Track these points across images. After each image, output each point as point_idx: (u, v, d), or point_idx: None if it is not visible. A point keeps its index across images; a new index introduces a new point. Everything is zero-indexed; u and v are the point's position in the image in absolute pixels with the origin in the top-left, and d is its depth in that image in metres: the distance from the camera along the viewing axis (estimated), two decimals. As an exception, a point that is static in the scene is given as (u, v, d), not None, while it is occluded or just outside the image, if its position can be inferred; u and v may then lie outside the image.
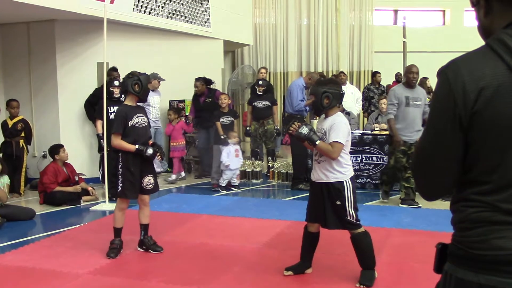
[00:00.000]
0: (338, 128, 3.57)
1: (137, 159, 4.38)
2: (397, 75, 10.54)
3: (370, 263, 3.70)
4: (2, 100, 7.51)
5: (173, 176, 8.13)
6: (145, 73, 4.58)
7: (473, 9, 1.38)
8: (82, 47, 7.79)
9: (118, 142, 4.33)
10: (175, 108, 8.63)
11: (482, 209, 1.29)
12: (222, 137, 7.24)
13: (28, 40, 7.83)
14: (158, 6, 8.53)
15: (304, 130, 3.58)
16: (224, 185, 7.30)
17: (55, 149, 6.64)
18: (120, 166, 4.39)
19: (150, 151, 4.34)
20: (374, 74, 11.07)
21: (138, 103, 4.51)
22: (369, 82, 11.55)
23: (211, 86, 8.53)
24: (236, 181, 7.45)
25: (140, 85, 4.37)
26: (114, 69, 7.30)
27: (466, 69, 1.26)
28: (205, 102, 8.21)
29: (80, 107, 7.69)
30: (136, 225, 4.57)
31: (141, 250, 4.54)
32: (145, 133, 4.45)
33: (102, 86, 6.67)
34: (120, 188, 4.39)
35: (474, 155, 1.30)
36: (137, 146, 4.30)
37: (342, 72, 10.94)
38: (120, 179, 4.37)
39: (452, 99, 1.27)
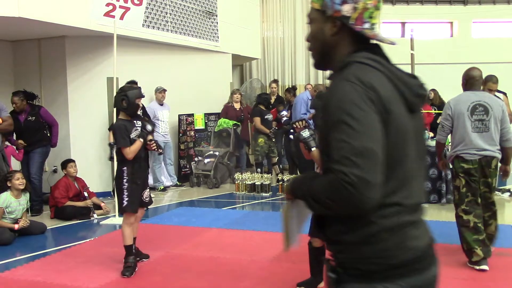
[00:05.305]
0: None
1: (141, 171, 4.39)
2: None
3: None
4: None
5: None
6: (135, 87, 4.47)
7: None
8: (92, 62, 7.89)
9: (128, 150, 4.25)
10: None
11: None
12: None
13: (39, 56, 7.95)
14: (167, 22, 8.63)
15: (306, 133, 3.54)
16: None
17: (65, 164, 6.72)
18: (125, 180, 4.29)
19: (149, 127, 4.39)
20: None
21: (136, 118, 4.47)
22: None
23: (34, 102, 7.19)
24: None
25: (127, 100, 4.28)
26: (134, 82, 7.23)
27: None
28: (27, 120, 6.94)
29: (90, 121, 7.76)
30: (147, 238, 4.55)
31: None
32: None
33: None
34: (126, 203, 4.28)
35: None
36: (141, 139, 4.30)
37: None
38: (126, 193, 4.28)
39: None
